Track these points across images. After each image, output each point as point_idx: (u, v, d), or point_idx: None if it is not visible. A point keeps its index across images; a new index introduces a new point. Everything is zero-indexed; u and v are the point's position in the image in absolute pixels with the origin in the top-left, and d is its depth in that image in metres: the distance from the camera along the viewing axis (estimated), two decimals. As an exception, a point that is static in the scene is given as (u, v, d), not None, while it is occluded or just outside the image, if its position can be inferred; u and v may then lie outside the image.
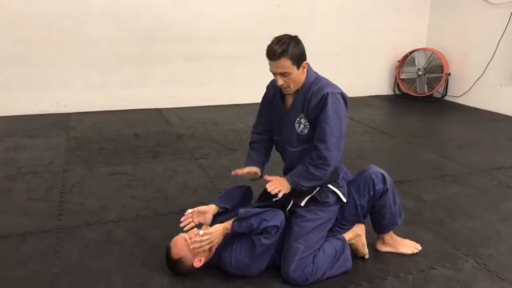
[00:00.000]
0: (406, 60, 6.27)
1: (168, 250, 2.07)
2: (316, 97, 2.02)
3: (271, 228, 1.97)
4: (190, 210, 2.20)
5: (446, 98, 6.19)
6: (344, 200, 2.16)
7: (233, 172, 2.19)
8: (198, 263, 2.04)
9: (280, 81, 2.02)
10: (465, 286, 2.07)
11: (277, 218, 2.00)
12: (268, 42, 2.02)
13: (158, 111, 5.36)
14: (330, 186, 2.13)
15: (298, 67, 2.00)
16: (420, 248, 2.36)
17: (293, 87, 2.06)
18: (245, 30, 5.62)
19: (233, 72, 5.73)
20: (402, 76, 6.35)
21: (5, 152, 3.80)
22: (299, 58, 1.99)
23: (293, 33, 2.05)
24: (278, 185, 2.04)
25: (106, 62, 5.18)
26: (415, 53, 6.16)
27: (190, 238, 2.05)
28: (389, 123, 5.29)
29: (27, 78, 4.93)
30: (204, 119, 4.99)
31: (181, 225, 2.17)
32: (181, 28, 5.37)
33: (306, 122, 2.08)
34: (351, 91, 6.27)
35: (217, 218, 2.19)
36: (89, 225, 2.59)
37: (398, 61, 6.32)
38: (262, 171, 2.26)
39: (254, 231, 1.97)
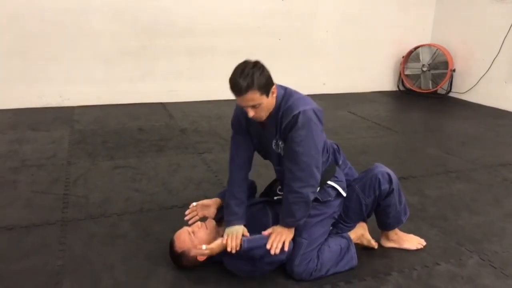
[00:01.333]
0: (411, 56, 6.24)
1: (171, 243, 2.07)
2: (286, 118, 1.89)
3: (275, 263, 1.97)
4: (194, 204, 2.21)
5: (451, 94, 6.16)
6: (344, 194, 2.15)
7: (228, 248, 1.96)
8: (201, 257, 2.04)
9: (251, 113, 1.88)
10: (469, 282, 2.07)
11: (282, 254, 1.93)
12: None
13: (162, 105, 5.35)
14: (329, 182, 2.12)
15: (267, 95, 1.87)
16: (424, 243, 2.35)
17: (265, 115, 1.94)
18: (248, 24, 5.60)
19: (236, 67, 5.70)
20: (407, 72, 6.33)
21: (9, 144, 3.81)
22: (267, 85, 1.85)
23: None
24: (279, 238, 1.94)
25: (109, 55, 5.17)
26: (419, 49, 6.14)
27: (193, 232, 2.05)
28: (393, 119, 5.28)
29: (30, 71, 4.93)
30: (207, 114, 4.99)
31: (186, 218, 2.18)
32: (184, 22, 5.36)
33: (282, 143, 2.00)
34: (355, 87, 6.31)
35: (221, 212, 2.19)
36: (93, 218, 2.60)
37: (403, 57, 6.30)
38: (244, 223, 2.07)
39: (258, 260, 1.95)
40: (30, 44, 4.85)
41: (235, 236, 1.95)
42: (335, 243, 2.12)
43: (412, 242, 2.35)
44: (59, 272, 2.08)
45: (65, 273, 2.07)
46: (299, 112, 1.87)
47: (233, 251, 1.92)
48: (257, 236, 1.99)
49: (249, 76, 1.80)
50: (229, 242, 1.93)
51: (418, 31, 6.40)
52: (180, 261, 2.06)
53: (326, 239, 2.13)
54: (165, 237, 2.22)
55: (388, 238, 2.33)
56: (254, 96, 1.83)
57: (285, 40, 5.81)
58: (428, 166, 3.55)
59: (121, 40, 5.17)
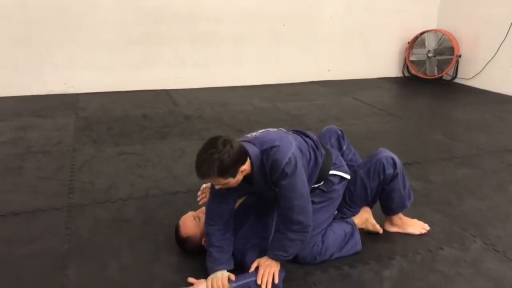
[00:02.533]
0: (416, 41, 6.19)
1: (177, 229, 2.10)
2: (276, 172, 1.81)
3: None
4: (204, 186, 2.22)
5: (456, 80, 6.12)
6: (348, 177, 2.15)
7: None
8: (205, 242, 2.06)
9: (218, 187, 1.83)
10: (472, 266, 2.08)
11: (276, 286, 1.87)
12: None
13: (166, 92, 5.35)
14: (331, 172, 2.10)
15: (233, 176, 1.77)
16: (428, 228, 2.36)
17: (235, 185, 1.85)
18: (252, 10, 5.56)
19: (240, 53, 5.69)
20: (412, 58, 6.28)
21: (14, 131, 3.83)
22: (233, 168, 1.74)
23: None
24: (268, 271, 1.86)
25: (113, 42, 5.16)
26: (425, 34, 6.08)
27: (198, 217, 2.07)
28: (398, 105, 5.25)
29: (34, 58, 4.93)
30: (211, 100, 4.98)
31: (198, 199, 2.23)
32: (188, 8, 5.32)
33: (276, 188, 1.90)
34: (359, 73, 6.28)
35: None
36: (99, 203, 2.62)
37: (408, 43, 6.24)
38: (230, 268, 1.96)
39: None
40: (34, 31, 4.84)
41: (220, 281, 1.83)
42: (339, 228, 2.13)
43: (416, 227, 2.36)
44: (65, 256, 2.11)
45: (72, 257, 2.10)
46: (284, 167, 1.79)
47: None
48: (245, 275, 1.89)
49: (212, 162, 1.69)
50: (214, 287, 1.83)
51: (424, 17, 6.33)
52: (185, 245, 2.09)
53: (330, 224, 2.14)
54: (170, 222, 2.24)
55: (392, 223, 2.34)
56: (217, 181, 1.77)
57: (290, 26, 5.76)
58: (433, 152, 3.55)
59: (125, 26, 5.15)
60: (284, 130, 2.10)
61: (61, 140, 3.63)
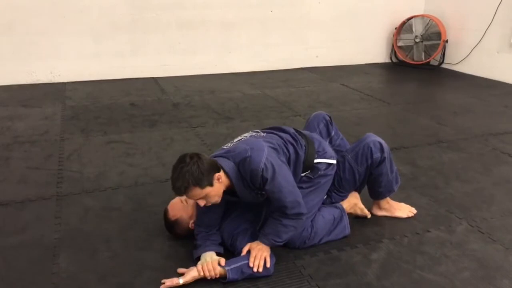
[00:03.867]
0: (404, 27, 6.20)
1: (165, 212, 2.12)
2: (256, 180, 1.84)
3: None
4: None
5: (443, 65, 6.16)
6: (333, 162, 2.17)
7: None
8: (193, 225, 2.08)
9: (202, 204, 1.85)
10: (458, 247, 2.13)
11: (266, 271, 1.89)
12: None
13: (154, 79, 5.32)
14: (316, 160, 2.12)
15: (211, 185, 1.79)
16: (415, 212, 2.40)
17: (219, 198, 1.87)
18: (240, -4, 5.53)
19: (228, 40, 5.66)
20: (399, 44, 6.30)
21: (1, 121, 3.79)
22: (207, 176, 1.77)
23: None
24: (260, 254, 1.88)
25: (99, 30, 5.10)
26: (412, 20, 6.09)
27: (186, 200, 2.09)
28: (385, 90, 5.28)
29: (19, 47, 4.86)
30: (200, 88, 4.97)
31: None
32: (175, -6, 5.28)
33: (263, 192, 1.92)
34: (347, 59, 6.30)
35: None
36: (88, 192, 2.61)
37: (396, 28, 6.26)
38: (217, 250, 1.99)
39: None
40: (18, 19, 4.76)
41: (210, 265, 1.85)
42: (328, 213, 2.16)
43: (403, 210, 2.40)
44: (56, 245, 2.11)
45: (62, 246, 2.10)
46: (262, 170, 1.81)
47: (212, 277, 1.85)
48: (237, 259, 1.90)
49: (184, 175, 1.73)
50: (206, 272, 1.84)
51: (411, 2, 6.34)
52: (174, 228, 2.11)
53: (319, 209, 2.17)
54: (160, 210, 2.25)
55: (379, 207, 2.37)
56: (196, 192, 1.78)
57: (277, 11, 5.74)
58: (420, 137, 3.59)
59: (111, 13, 5.09)
60: (257, 132, 2.12)
61: (48, 130, 3.61)
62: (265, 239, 1.92)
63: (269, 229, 1.93)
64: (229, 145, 2.04)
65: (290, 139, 2.09)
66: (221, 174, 1.84)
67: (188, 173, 1.73)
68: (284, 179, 1.87)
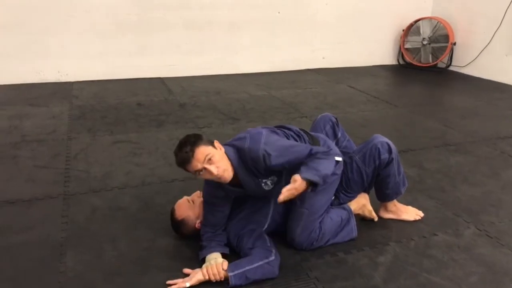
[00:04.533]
0: (411, 29, 6.17)
1: (172, 211, 2.12)
2: (259, 162, 1.86)
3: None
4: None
5: (451, 68, 6.12)
6: (339, 159, 2.14)
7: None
8: (199, 224, 2.08)
9: (215, 170, 1.82)
10: (466, 251, 2.11)
11: (274, 269, 1.89)
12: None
13: (160, 80, 5.33)
14: None
15: (213, 146, 1.87)
16: (422, 215, 2.39)
17: (227, 173, 1.87)
18: (248, -3, 5.54)
19: (235, 41, 5.66)
20: (407, 46, 6.27)
21: (9, 120, 3.80)
22: (208, 140, 1.88)
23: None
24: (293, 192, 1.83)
25: (106, 29, 5.12)
26: (420, 22, 6.07)
27: (193, 200, 2.10)
28: (392, 92, 5.26)
29: (27, 46, 4.88)
30: (206, 88, 4.97)
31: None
32: (182, -6, 5.29)
33: (270, 179, 1.97)
34: (354, 60, 6.28)
35: None
36: (94, 191, 2.62)
37: (403, 30, 6.23)
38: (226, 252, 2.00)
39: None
40: (25, 18, 4.79)
41: (215, 268, 1.84)
42: (336, 214, 2.15)
43: (410, 213, 2.39)
44: (62, 243, 2.12)
45: (69, 245, 2.11)
46: (265, 151, 1.85)
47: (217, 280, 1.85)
48: (241, 264, 1.87)
49: (187, 142, 1.83)
50: (211, 276, 1.83)
51: (419, 4, 6.31)
52: (180, 228, 2.11)
53: (327, 210, 2.15)
54: (166, 210, 2.25)
55: (386, 210, 2.36)
56: (203, 150, 1.82)
57: (284, 13, 5.73)
58: (427, 139, 3.57)
59: (118, 13, 5.10)
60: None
61: (55, 129, 3.62)
62: (306, 174, 1.83)
63: (304, 167, 1.87)
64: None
65: (294, 135, 2.11)
66: (219, 145, 1.91)
67: (189, 139, 1.84)
68: (288, 149, 1.91)
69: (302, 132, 2.14)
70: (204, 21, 5.45)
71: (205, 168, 1.83)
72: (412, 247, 2.14)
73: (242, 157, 1.90)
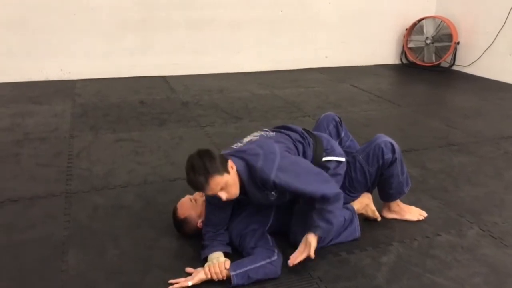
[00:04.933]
0: (414, 28, 6.15)
1: (174, 210, 2.12)
2: (268, 185, 1.84)
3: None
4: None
5: (454, 67, 6.10)
6: (343, 159, 2.15)
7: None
8: (201, 224, 2.08)
9: (224, 197, 1.81)
10: (469, 252, 2.10)
11: (276, 269, 1.88)
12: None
13: (163, 78, 5.32)
14: (324, 159, 2.11)
15: (228, 173, 1.80)
16: (425, 215, 2.38)
17: (237, 190, 1.86)
18: (250, -4, 5.52)
19: (238, 39, 5.65)
20: (410, 45, 6.25)
21: (11, 118, 3.81)
22: (222, 165, 1.79)
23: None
24: (307, 250, 1.87)
25: (110, 28, 5.12)
26: (423, 21, 6.04)
27: (195, 199, 2.09)
28: (395, 92, 5.25)
29: (30, 44, 4.88)
30: (209, 87, 4.96)
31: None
32: (185, -7, 5.28)
33: (272, 192, 1.92)
34: (357, 60, 6.26)
35: None
36: (97, 190, 2.62)
37: (406, 29, 6.21)
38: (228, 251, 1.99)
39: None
40: (29, 16, 4.79)
41: (217, 267, 1.83)
42: (340, 214, 2.14)
43: (414, 213, 2.38)
44: (65, 242, 2.11)
45: (71, 243, 2.10)
46: (274, 176, 1.80)
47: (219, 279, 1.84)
48: (244, 263, 1.87)
49: (201, 167, 1.74)
50: (213, 275, 1.82)
51: (422, 3, 6.29)
52: (182, 227, 2.11)
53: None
54: (169, 209, 2.24)
55: (390, 209, 2.35)
56: (217, 181, 1.77)
57: (287, 12, 5.72)
58: (430, 139, 3.56)
59: (121, 12, 5.10)
60: (266, 132, 2.11)
61: (58, 127, 3.62)
62: (318, 230, 1.87)
63: (316, 220, 1.88)
64: (238, 144, 2.04)
65: (299, 138, 2.09)
66: (232, 165, 1.84)
67: (204, 165, 1.74)
68: (301, 178, 1.86)
69: (306, 134, 2.13)
70: (207, 20, 5.45)
71: (216, 194, 1.82)
72: (415, 247, 2.13)
73: (252, 173, 1.85)
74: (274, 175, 1.81)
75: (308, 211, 1.94)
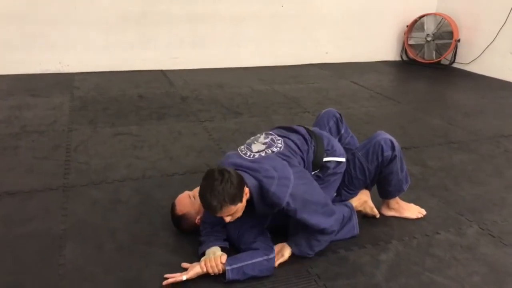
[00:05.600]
0: (415, 25, 6.13)
1: (172, 206, 2.10)
2: (279, 206, 1.81)
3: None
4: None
5: (454, 65, 6.08)
6: (343, 160, 2.13)
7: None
8: (199, 220, 2.06)
9: (228, 219, 1.80)
10: (468, 251, 2.09)
11: (272, 267, 1.88)
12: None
13: (162, 72, 5.29)
14: (324, 159, 2.09)
15: (241, 201, 1.77)
16: (424, 213, 2.37)
17: (241, 214, 1.84)
18: (251, -10, 5.49)
19: (238, 34, 5.62)
20: (410, 42, 6.23)
21: (9, 110, 3.78)
22: (239, 193, 1.74)
23: None
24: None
25: (109, 21, 5.08)
26: (424, 18, 6.02)
27: (194, 196, 2.07)
28: (395, 89, 5.24)
29: (29, 37, 4.84)
30: (208, 82, 4.94)
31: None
32: (186, -13, 5.24)
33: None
34: (358, 56, 6.25)
35: None
36: (95, 184, 2.60)
37: (407, 26, 6.19)
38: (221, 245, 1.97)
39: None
40: (27, 8, 4.75)
41: (213, 261, 1.83)
42: (338, 211, 2.13)
43: (413, 211, 2.37)
44: (62, 236, 2.10)
45: (68, 237, 2.09)
46: (288, 203, 1.79)
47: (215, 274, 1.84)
48: (240, 258, 1.86)
49: (220, 193, 1.69)
50: (209, 269, 1.82)
51: (423, 0, 6.26)
52: (180, 223, 2.09)
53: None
54: (167, 204, 2.23)
55: (389, 207, 2.34)
56: (229, 210, 1.74)
57: (289, 7, 5.69)
58: (430, 137, 3.54)
59: (121, 5, 5.06)
60: (271, 135, 2.07)
61: (56, 120, 3.60)
62: (297, 249, 1.95)
63: (302, 240, 1.95)
64: (248, 153, 1.97)
65: (303, 141, 2.07)
66: (247, 189, 1.82)
67: (223, 192, 1.69)
68: (309, 208, 1.85)
69: (308, 136, 2.10)
70: (207, 14, 5.41)
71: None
72: (414, 246, 2.12)
73: (263, 194, 1.83)
74: (285, 202, 1.80)
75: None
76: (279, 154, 1.96)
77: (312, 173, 2.08)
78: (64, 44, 4.99)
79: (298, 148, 2.04)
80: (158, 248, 2.04)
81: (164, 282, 1.80)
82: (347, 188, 2.22)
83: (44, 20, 4.84)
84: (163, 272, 1.85)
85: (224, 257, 1.84)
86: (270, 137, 2.07)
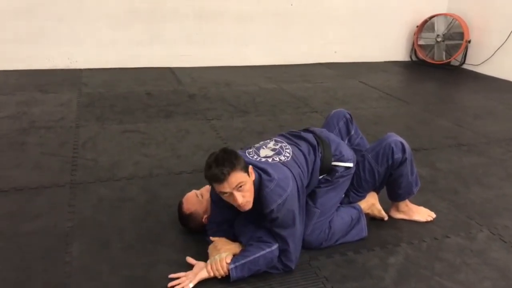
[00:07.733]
0: (425, 25, 6.08)
1: (180, 205, 2.09)
2: (265, 209, 1.79)
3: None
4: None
5: (464, 66, 6.03)
6: (351, 165, 2.10)
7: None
8: (207, 219, 2.05)
9: (240, 199, 1.74)
10: (478, 255, 2.06)
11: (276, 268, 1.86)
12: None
13: (170, 70, 5.29)
14: (333, 163, 2.07)
15: (247, 173, 1.76)
16: (434, 216, 2.34)
17: (248, 205, 1.80)
18: (260, -12, 5.46)
19: (246, 32, 5.60)
20: (420, 42, 6.18)
21: (17, 106, 3.78)
22: (244, 164, 1.76)
23: None
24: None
25: (117, 18, 5.08)
26: (435, 18, 5.97)
27: (202, 195, 2.05)
28: (404, 89, 5.19)
29: (37, 32, 4.85)
30: (216, 80, 4.92)
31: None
32: (195, -16, 5.22)
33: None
34: (366, 55, 6.20)
35: None
36: (102, 181, 2.59)
37: (417, 26, 6.14)
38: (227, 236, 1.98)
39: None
40: (36, 4, 4.75)
41: (219, 264, 1.80)
42: (346, 214, 2.11)
43: (422, 214, 2.34)
44: (68, 233, 2.09)
45: (75, 235, 2.08)
46: (272, 210, 1.77)
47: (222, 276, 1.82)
48: (243, 256, 1.84)
49: (226, 160, 1.70)
50: (215, 272, 1.80)
51: (434, 0, 6.20)
52: (188, 222, 2.08)
53: (337, 209, 2.11)
54: (174, 202, 2.22)
55: (398, 210, 2.32)
56: (239, 175, 1.71)
57: (297, 5, 5.66)
58: (440, 139, 3.51)
59: (129, 2, 5.06)
60: (281, 142, 2.05)
61: (64, 116, 3.60)
62: (239, 272, 1.80)
63: (248, 252, 1.84)
64: (255, 156, 1.96)
65: (310, 150, 2.04)
66: (252, 171, 1.81)
67: (229, 158, 1.72)
68: (286, 223, 1.82)
69: (315, 143, 2.07)
70: (215, 11, 5.39)
71: (232, 193, 1.75)
72: (423, 249, 2.09)
73: (260, 191, 1.81)
74: (274, 206, 1.77)
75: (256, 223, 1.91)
76: (285, 164, 1.94)
77: (320, 176, 2.06)
78: (73, 40, 5.00)
79: (305, 159, 2.01)
80: (165, 246, 2.03)
81: (169, 285, 1.78)
82: (356, 190, 2.19)
83: (53, 16, 4.84)
84: (170, 271, 1.84)
85: (229, 257, 1.83)
86: (280, 144, 2.05)
